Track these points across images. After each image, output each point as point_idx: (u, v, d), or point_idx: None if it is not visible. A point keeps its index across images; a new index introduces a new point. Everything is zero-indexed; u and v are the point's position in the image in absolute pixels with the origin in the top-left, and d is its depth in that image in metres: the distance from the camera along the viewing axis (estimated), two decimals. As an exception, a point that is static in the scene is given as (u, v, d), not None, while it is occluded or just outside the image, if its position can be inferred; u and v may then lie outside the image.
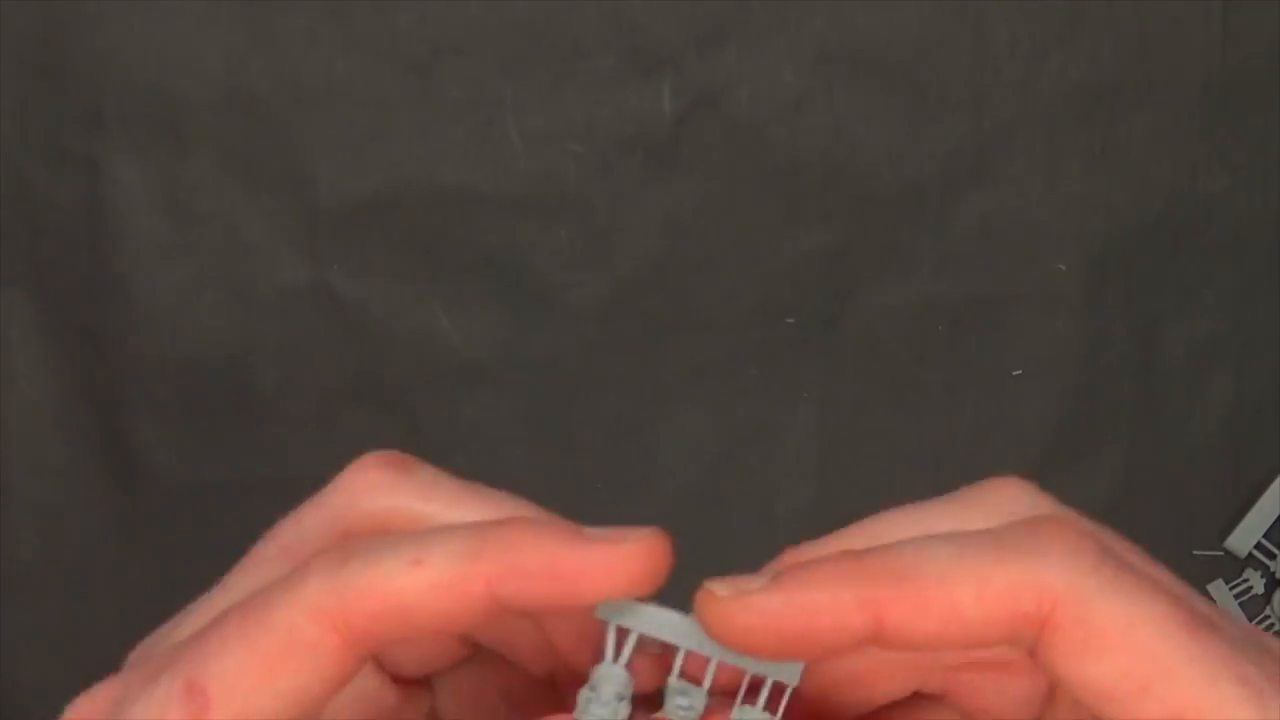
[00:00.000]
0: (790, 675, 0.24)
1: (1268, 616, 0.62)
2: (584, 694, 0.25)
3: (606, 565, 0.23)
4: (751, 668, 0.24)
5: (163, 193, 0.60)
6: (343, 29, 0.60)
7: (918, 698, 0.28)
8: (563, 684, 0.28)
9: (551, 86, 0.60)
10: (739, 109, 0.60)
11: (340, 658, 0.23)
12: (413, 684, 0.29)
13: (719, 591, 0.23)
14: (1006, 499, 0.26)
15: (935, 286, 0.61)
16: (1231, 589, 0.62)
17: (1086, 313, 0.61)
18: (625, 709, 0.25)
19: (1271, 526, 0.62)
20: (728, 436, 0.62)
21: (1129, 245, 0.61)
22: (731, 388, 0.62)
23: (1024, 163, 0.61)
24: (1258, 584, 0.62)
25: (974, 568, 0.22)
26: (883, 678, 0.27)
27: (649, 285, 0.61)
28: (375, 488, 0.26)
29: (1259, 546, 0.62)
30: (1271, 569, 0.62)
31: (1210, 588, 0.62)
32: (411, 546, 0.23)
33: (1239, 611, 0.62)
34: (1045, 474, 0.61)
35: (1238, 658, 0.22)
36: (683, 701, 0.25)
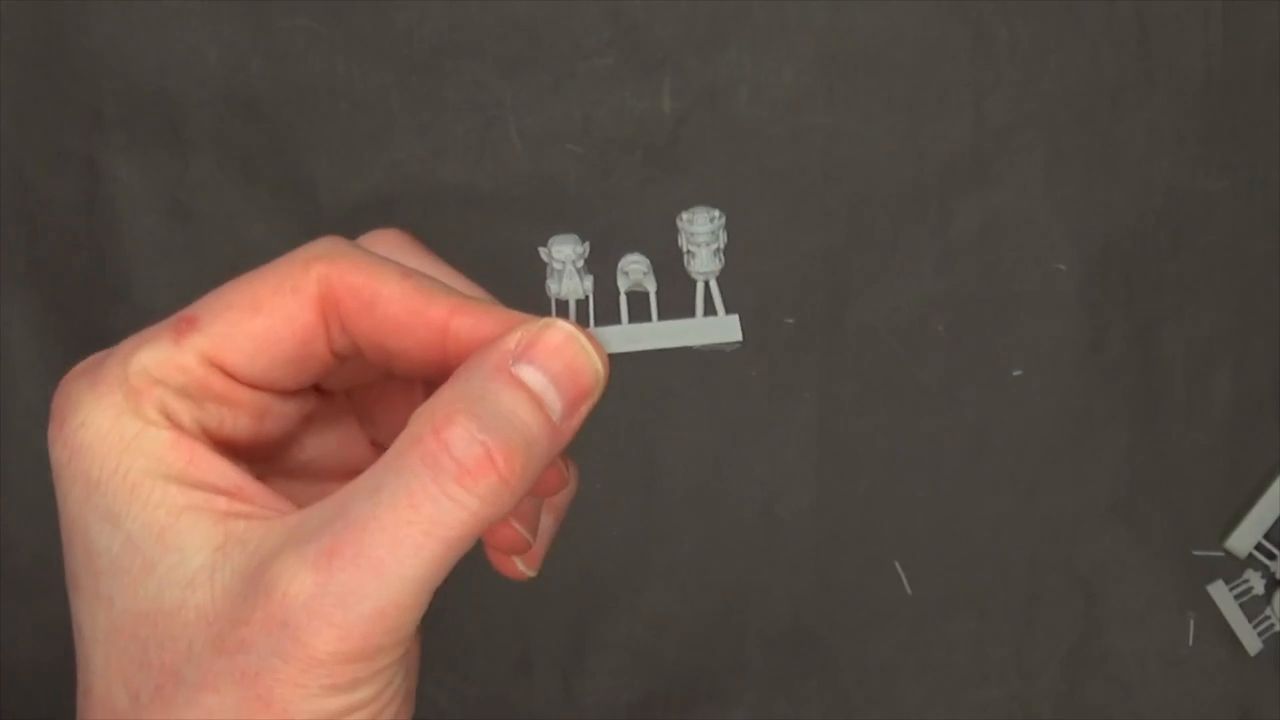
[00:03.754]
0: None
1: (1268, 617, 0.62)
2: (551, 270, 0.31)
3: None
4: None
5: (163, 193, 0.60)
6: (343, 29, 0.60)
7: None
8: None
9: (551, 86, 0.60)
10: (739, 109, 0.60)
11: (314, 308, 0.28)
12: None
13: None
14: None
15: (935, 286, 0.61)
16: (1231, 589, 0.62)
17: (1086, 313, 0.61)
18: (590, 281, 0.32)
19: (1271, 526, 0.62)
20: (728, 436, 0.62)
21: (1129, 245, 0.61)
22: (731, 388, 0.62)
23: (1024, 163, 0.61)
24: (1258, 584, 0.62)
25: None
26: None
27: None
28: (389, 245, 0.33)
29: (1259, 547, 0.62)
30: (1271, 569, 0.62)
31: (1210, 588, 0.62)
32: (401, 267, 0.30)
33: (1239, 612, 0.62)
34: (1045, 474, 0.61)
35: None
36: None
